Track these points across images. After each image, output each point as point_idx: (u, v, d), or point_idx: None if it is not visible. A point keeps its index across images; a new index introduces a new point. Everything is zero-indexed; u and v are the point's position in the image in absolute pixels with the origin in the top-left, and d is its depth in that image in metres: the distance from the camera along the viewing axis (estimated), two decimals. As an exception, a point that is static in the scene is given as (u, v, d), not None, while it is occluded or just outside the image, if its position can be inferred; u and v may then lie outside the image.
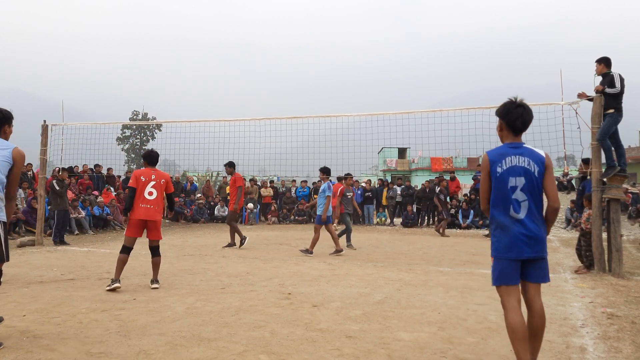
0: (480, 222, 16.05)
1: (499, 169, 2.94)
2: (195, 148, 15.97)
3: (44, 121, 11.69)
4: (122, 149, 49.42)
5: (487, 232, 13.65)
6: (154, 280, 5.88)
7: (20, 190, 13.38)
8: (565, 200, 16.83)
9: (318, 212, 9.31)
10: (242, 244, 10.07)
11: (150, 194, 5.85)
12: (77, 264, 7.73)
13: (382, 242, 11.93)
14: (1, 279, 3.90)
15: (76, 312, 4.56)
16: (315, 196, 18.46)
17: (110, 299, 5.14)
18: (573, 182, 19.58)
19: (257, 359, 3.34)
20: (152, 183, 5.88)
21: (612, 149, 7.30)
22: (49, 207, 11.98)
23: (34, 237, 10.87)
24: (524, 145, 3.00)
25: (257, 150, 15.78)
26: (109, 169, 17.72)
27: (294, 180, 19.93)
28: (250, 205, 17.83)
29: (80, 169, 16.55)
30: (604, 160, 7.41)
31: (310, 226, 15.24)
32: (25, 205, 12.94)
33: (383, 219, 18.48)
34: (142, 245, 10.07)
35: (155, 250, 5.96)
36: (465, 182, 22.60)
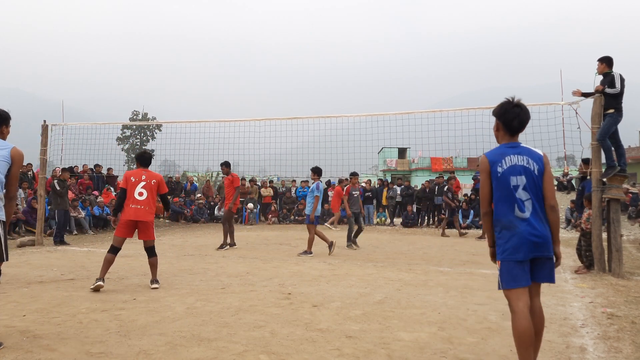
0: (480, 222, 16.04)
1: (499, 169, 2.91)
2: (195, 148, 15.99)
3: (44, 121, 11.69)
4: (122, 149, 49.40)
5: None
6: (153, 280, 5.88)
7: (20, 190, 13.39)
8: (566, 200, 16.83)
9: (307, 212, 9.34)
10: (221, 247, 9.91)
11: (141, 194, 5.83)
12: (77, 264, 7.73)
13: (382, 242, 11.93)
14: (0, 279, 3.89)
15: (76, 312, 4.56)
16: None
17: (110, 299, 5.14)
18: (573, 182, 19.58)
19: (257, 359, 3.34)
20: (143, 184, 5.87)
21: (612, 149, 7.30)
22: (49, 207, 11.99)
23: (34, 237, 10.87)
24: (522, 145, 2.98)
25: (257, 150, 15.81)
26: (109, 169, 17.72)
27: (294, 180, 19.94)
28: (250, 205, 17.83)
29: (80, 169, 16.55)
30: (604, 160, 7.41)
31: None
32: (25, 205, 12.94)
33: (383, 219, 18.49)
34: (142, 246, 10.07)
35: (150, 251, 5.93)
36: (465, 182, 22.60)
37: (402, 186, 18.36)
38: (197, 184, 22.19)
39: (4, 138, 3.80)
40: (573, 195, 16.42)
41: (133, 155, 49.83)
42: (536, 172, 2.89)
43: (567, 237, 12.96)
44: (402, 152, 41.67)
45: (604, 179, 7.28)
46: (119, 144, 48.48)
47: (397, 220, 18.03)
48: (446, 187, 14.39)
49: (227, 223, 10.11)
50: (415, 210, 17.75)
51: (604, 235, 7.25)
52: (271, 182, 20.50)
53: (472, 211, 16.42)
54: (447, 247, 10.77)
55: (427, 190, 17.17)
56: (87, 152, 14.93)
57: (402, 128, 12.95)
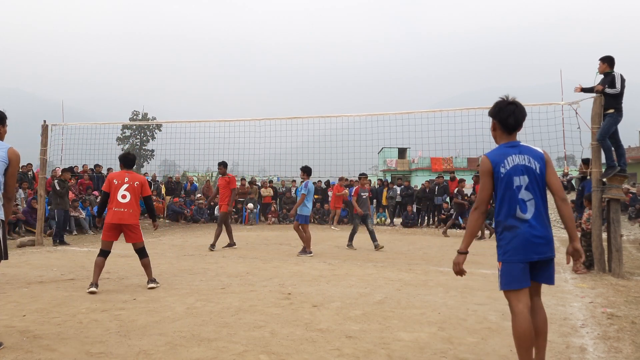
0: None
1: (502, 170, 2.87)
2: (195, 148, 15.99)
3: (44, 121, 11.69)
4: (122, 149, 49.40)
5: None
6: (150, 280, 5.85)
7: (20, 191, 13.39)
8: (565, 201, 16.80)
9: (299, 212, 9.35)
10: (211, 248, 9.88)
11: (124, 197, 5.74)
12: (77, 264, 7.73)
13: (382, 242, 11.91)
14: (0, 279, 3.89)
15: (76, 312, 4.56)
16: (315, 196, 18.48)
17: (110, 299, 5.14)
18: (573, 182, 19.57)
19: (257, 359, 3.34)
20: (126, 186, 5.78)
21: (612, 149, 7.30)
22: (49, 207, 11.99)
23: (34, 237, 10.87)
24: (521, 144, 2.95)
25: (257, 150, 15.81)
26: (109, 169, 17.70)
27: (294, 180, 19.93)
28: (250, 205, 17.83)
29: (80, 169, 16.55)
30: (604, 160, 7.41)
31: (309, 227, 15.27)
32: (25, 206, 12.94)
33: (383, 219, 18.48)
34: (142, 245, 10.08)
35: (141, 252, 5.88)
36: (466, 183, 22.56)
37: (402, 186, 18.36)
38: (197, 184, 22.19)
39: (1, 138, 3.80)
40: (573, 196, 16.39)
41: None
42: (538, 170, 2.87)
43: (567, 237, 12.97)
44: (402, 152, 41.66)
45: (604, 179, 7.29)
46: (119, 144, 48.46)
47: (397, 221, 18.03)
48: (457, 189, 14.51)
49: (222, 224, 10.09)
50: (415, 210, 17.75)
51: (604, 235, 7.25)
52: (271, 182, 20.48)
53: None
54: (447, 247, 10.77)
55: (427, 190, 17.16)
56: (87, 152, 14.92)
57: (402, 128, 12.95)
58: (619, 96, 7.11)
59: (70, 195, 13.03)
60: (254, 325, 4.17)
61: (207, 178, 24.93)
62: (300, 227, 9.33)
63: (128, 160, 6.09)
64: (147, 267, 5.89)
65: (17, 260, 7.96)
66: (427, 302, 5.14)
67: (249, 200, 18.01)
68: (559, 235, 13.77)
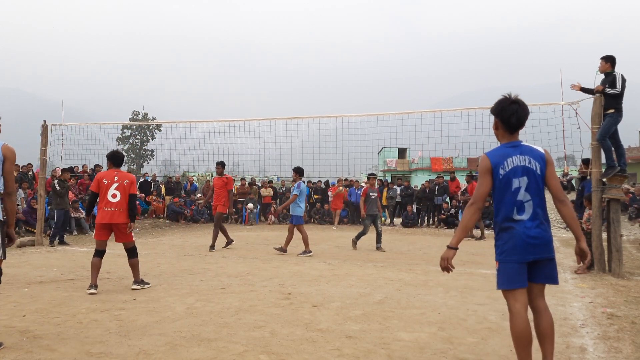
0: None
1: (502, 171, 2.85)
2: (195, 148, 15.99)
3: (44, 121, 11.69)
4: (122, 149, 49.41)
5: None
6: (135, 281, 5.78)
7: (20, 191, 13.39)
8: (565, 201, 16.80)
9: (291, 213, 9.39)
10: (211, 248, 9.88)
11: (114, 196, 5.70)
12: (77, 264, 7.73)
13: (382, 242, 11.91)
14: (1, 278, 3.89)
15: (76, 312, 4.56)
16: (315, 196, 18.48)
17: (110, 299, 5.14)
18: (573, 182, 19.57)
19: (257, 359, 3.34)
20: (116, 185, 5.74)
21: (612, 149, 7.30)
22: (49, 207, 11.98)
23: (34, 237, 10.87)
24: (523, 143, 2.93)
25: (257, 150, 15.82)
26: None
27: (294, 181, 19.96)
28: (250, 205, 17.82)
29: (80, 169, 16.54)
30: (604, 160, 7.41)
31: (309, 227, 15.28)
32: (25, 206, 12.94)
33: (383, 219, 18.48)
34: (142, 246, 10.07)
35: (131, 252, 5.83)
36: (465, 183, 22.59)
37: (402, 186, 18.36)
38: (197, 184, 22.19)
39: None
40: (573, 196, 16.39)
41: (133, 156, 49.87)
42: (538, 171, 2.85)
43: (567, 237, 12.97)
44: (402, 152, 41.66)
45: (604, 179, 7.29)
46: (119, 144, 48.48)
47: (397, 221, 18.03)
48: (463, 189, 14.56)
49: (218, 225, 10.08)
50: (415, 210, 17.74)
51: (604, 235, 7.25)
52: (271, 182, 20.47)
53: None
54: (447, 247, 10.75)
55: (427, 190, 17.16)
56: (87, 152, 14.91)
57: (402, 128, 12.95)
58: (619, 96, 7.11)
59: (70, 195, 13.03)
60: (254, 325, 4.17)
61: (207, 178, 24.91)
62: (294, 228, 9.35)
63: (117, 159, 6.03)
64: (134, 267, 5.83)
65: (17, 260, 7.96)
66: (427, 302, 5.14)
67: (248, 200, 18.01)
68: (559, 235, 13.78)
